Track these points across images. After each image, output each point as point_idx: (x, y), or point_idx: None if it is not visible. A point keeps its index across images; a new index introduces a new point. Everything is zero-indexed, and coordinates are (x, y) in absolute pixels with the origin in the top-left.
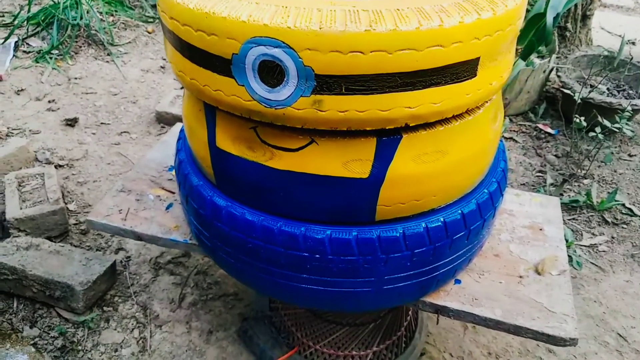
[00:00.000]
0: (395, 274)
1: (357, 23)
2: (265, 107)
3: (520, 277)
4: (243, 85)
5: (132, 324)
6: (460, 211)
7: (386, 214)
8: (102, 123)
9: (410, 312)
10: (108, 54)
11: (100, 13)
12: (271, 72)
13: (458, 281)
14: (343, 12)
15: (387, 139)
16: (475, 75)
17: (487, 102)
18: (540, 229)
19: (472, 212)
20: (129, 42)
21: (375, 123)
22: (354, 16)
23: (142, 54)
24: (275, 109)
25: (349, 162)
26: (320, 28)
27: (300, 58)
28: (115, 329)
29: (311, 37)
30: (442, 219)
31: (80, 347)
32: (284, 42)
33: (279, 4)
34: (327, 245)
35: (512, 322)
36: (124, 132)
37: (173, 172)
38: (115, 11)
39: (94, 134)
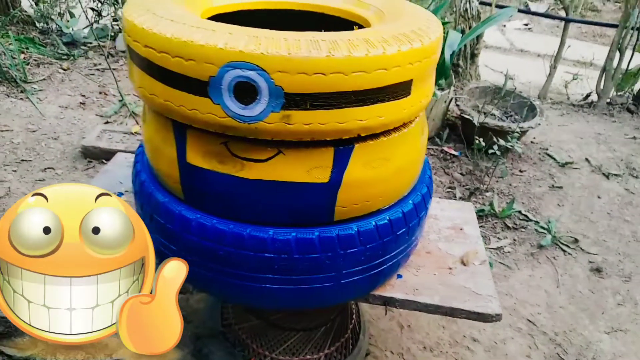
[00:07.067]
0: (352, 267)
1: (319, 50)
2: (239, 122)
3: (450, 268)
4: (219, 104)
5: (82, 355)
6: (401, 210)
7: (343, 214)
8: (22, 160)
9: (354, 316)
10: (21, 91)
11: (11, 50)
12: (245, 92)
13: (400, 276)
14: (306, 41)
15: (342, 148)
16: (410, 94)
17: (417, 117)
18: (461, 229)
19: (410, 211)
20: (44, 79)
21: (334, 134)
22: (316, 44)
23: (58, 91)
24: (248, 124)
25: (312, 169)
26: (289, 53)
27: (272, 79)
28: None
29: (282, 61)
30: (388, 218)
31: None
32: (258, 66)
33: (250, 34)
34: (293, 245)
35: (449, 305)
36: (48, 168)
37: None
38: (27, 48)
39: (14, 171)
